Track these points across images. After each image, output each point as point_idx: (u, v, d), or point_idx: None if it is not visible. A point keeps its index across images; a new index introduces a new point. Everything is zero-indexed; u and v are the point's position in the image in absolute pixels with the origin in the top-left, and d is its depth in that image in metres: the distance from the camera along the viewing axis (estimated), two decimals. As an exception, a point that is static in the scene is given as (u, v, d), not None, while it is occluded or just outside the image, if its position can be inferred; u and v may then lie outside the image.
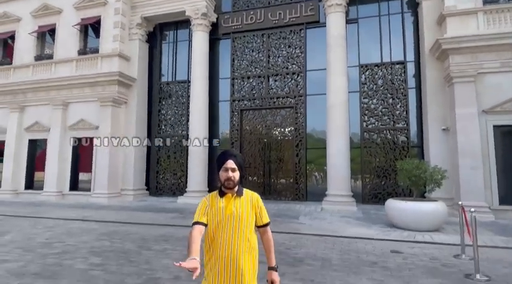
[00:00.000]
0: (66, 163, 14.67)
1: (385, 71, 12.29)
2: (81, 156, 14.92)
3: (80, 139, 14.76)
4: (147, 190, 15.16)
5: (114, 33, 14.69)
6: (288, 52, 13.82)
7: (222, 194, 2.04)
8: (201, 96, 13.84)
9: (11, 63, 16.74)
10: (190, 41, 15.16)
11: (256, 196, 2.14)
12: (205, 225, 1.97)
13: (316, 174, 13.57)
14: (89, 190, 14.24)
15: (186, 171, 14.08)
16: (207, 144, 13.78)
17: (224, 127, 14.97)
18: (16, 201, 14.24)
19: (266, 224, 2.12)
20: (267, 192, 13.49)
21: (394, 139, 12.02)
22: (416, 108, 12.08)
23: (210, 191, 13.43)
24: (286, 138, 13.66)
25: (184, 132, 14.83)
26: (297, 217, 9.62)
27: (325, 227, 8.06)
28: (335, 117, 11.71)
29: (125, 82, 14.46)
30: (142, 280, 4.28)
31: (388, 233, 7.23)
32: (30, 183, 15.65)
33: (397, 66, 12.29)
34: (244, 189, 2.12)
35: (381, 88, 12.23)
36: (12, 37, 17.16)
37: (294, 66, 13.66)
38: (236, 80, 14.49)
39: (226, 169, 2.01)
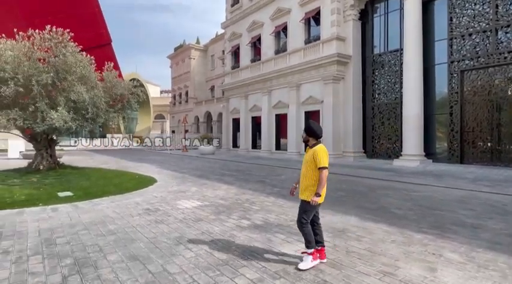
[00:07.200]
0: (301, 131, 19.22)
1: None
2: (311, 125, 19.00)
3: (309, 112, 18.84)
4: (364, 153, 17.45)
5: (332, 19, 17.25)
6: (527, -6, 11.64)
7: (305, 147, 3.71)
8: (414, 62, 14.15)
9: (259, 60, 23.00)
10: (401, 9, 15.47)
11: (315, 149, 3.42)
12: None
13: None
14: (318, 151, 18.17)
15: (401, 136, 15.09)
16: (422, 110, 14.16)
17: (440, 91, 14.69)
18: (271, 157, 20.29)
19: (320, 168, 3.37)
20: (495, 158, 12.54)
21: None
22: None
23: (426, 155, 14.06)
24: (525, 97, 11.89)
25: (398, 99, 15.71)
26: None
27: None
28: None
29: (342, 61, 16.94)
30: (376, 206, 6.55)
31: None
32: (278, 145, 21.61)
33: None
34: (319, 145, 3.46)
35: None
36: (259, 39, 23.34)
37: (536, 9, 11.43)
38: (455, 39, 13.72)
39: (302, 136, 3.67)
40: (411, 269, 3.40)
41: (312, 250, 3.46)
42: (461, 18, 13.50)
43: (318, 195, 3.39)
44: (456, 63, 13.68)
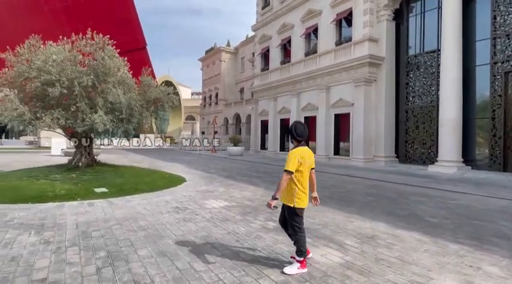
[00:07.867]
0: (330, 134, 18.89)
1: None
2: (341, 128, 18.63)
3: (339, 115, 18.46)
4: (396, 157, 16.80)
5: (364, 20, 16.83)
6: None
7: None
8: (452, 63, 13.44)
9: (289, 62, 22.91)
10: (439, 7, 14.77)
11: (290, 152, 3.31)
12: None
13: None
14: (347, 155, 17.75)
15: (437, 140, 14.36)
16: (461, 114, 13.40)
17: (482, 93, 13.83)
18: (300, 160, 20.08)
19: (284, 170, 3.24)
20: (544, 166, 11.56)
21: None
22: None
23: (464, 161, 13.30)
24: None
25: (434, 102, 14.99)
26: None
27: None
28: None
29: (374, 62, 16.46)
30: (407, 212, 6.27)
31: None
32: (306, 149, 21.33)
33: None
34: (296, 148, 3.33)
35: None
36: (289, 41, 23.26)
37: None
38: (499, 39, 12.88)
39: None
40: (445, 281, 3.22)
41: (302, 258, 3.39)
42: (506, 17, 12.64)
43: (274, 198, 3.28)
44: (500, 64, 12.82)
